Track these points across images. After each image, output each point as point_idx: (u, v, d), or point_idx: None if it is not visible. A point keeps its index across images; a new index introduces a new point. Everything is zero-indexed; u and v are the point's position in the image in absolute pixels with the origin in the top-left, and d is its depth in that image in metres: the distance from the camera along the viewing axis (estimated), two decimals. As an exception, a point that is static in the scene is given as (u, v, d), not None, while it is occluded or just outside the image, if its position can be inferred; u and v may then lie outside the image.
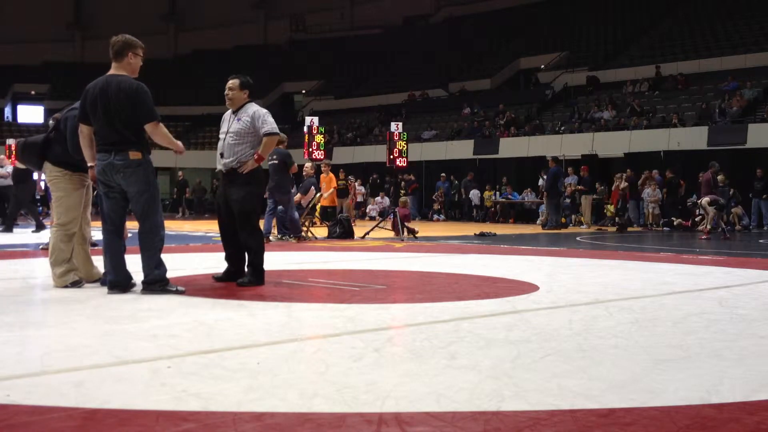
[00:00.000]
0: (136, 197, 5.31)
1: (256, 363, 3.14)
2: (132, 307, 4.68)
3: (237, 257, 6.13)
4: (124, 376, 2.93)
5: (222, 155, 6.06)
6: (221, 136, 6.13)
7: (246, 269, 6.04)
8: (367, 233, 14.18)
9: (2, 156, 19.09)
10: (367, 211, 25.37)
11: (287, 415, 2.42)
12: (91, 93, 5.30)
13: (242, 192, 5.96)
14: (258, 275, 5.96)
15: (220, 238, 6.40)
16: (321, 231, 13.94)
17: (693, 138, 21.18)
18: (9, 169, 18.63)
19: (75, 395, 2.62)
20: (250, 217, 6.02)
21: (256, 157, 5.94)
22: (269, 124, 5.99)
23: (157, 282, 5.28)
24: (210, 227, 16.35)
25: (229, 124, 6.07)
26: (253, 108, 6.05)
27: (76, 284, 5.57)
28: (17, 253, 9.48)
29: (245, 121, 5.97)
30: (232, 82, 6.09)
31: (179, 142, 5.60)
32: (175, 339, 3.67)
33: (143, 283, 5.33)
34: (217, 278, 6.16)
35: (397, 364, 3.22)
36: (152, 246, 5.33)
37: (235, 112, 6.08)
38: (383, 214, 21.40)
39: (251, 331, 3.93)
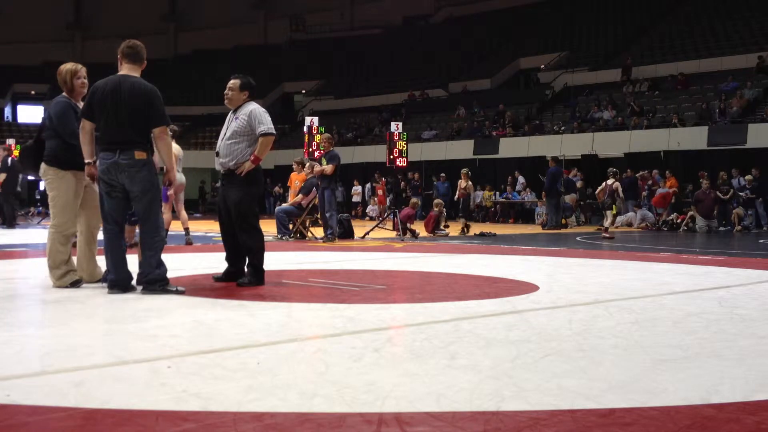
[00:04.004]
0: (140, 197, 5.31)
1: (256, 363, 3.14)
2: (132, 307, 4.68)
3: (237, 257, 6.12)
4: (124, 376, 2.93)
5: (218, 154, 6.07)
6: (221, 135, 6.14)
7: (246, 269, 6.04)
8: (367, 233, 14.18)
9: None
10: (367, 211, 25.39)
11: (287, 415, 2.42)
12: (101, 90, 5.30)
13: (240, 193, 5.96)
14: (258, 275, 5.95)
15: (220, 238, 6.40)
16: (320, 231, 13.92)
17: (693, 138, 21.18)
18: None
19: (75, 395, 2.62)
20: (248, 217, 6.02)
21: (252, 158, 5.94)
22: (266, 123, 5.98)
23: (157, 281, 5.28)
24: (210, 227, 16.34)
25: (228, 124, 6.09)
26: (251, 107, 6.05)
27: (75, 284, 5.56)
28: (17, 253, 9.48)
29: (242, 120, 5.98)
30: (233, 83, 6.10)
31: (174, 173, 5.59)
32: (175, 339, 3.67)
33: (144, 282, 5.33)
34: (217, 278, 6.16)
35: (397, 364, 3.22)
36: (153, 245, 5.33)
37: (234, 112, 6.10)
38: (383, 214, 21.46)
39: (251, 331, 3.93)
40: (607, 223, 15.08)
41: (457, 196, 17.21)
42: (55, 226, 5.60)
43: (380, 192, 24.42)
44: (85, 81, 5.77)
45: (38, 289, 5.57)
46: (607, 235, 14.47)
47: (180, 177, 9.60)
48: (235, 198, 5.97)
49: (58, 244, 5.55)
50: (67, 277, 5.55)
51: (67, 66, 5.80)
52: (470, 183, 17.08)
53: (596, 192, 16.11)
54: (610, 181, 15.29)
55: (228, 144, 5.99)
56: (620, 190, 15.43)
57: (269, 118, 6.08)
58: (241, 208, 5.97)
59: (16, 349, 3.44)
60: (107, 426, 2.30)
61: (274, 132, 6.14)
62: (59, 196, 5.61)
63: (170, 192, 8.80)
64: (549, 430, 2.31)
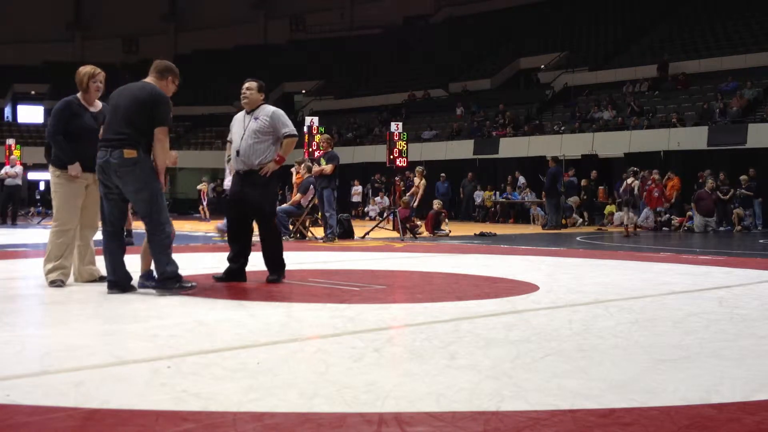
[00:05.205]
0: (135, 197, 5.28)
1: (256, 363, 3.14)
2: (132, 307, 4.69)
3: (241, 256, 6.18)
4: (124, 376, 2.93)
5: (238, 153, 6.12)
6: (235, 137, 6.20)
7: (268, 267, 6.22)
8: (367, 233, 14.18)
9: (13, 156, 19.19)
10: (367, 211, 25.37)
11: (287, 415, 2.42)
12: (113, 94, 5.43)
13: (263, 191, 6.13)
14: (283, 269, 6.23)
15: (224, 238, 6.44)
16: (320, 231, 13.92)
17: (693, 138, 21.17)
18: (18, 169, 18.72)
19: (75, 395, 2.62)
20: (270, 214, 6.25)
21: (277, 158, 6.12)
22: (289, 125, 6.18)
23: (171, 279, 5.23)
24: (209, 228, 16.33)
25: (246, 125, 6.14)
26: (271, 108, 6.22)
27: (54, 284, 5.55)
28: (17, 253, 9.48)
29: (264, 121, 6.10)
30: (251, 84, 6.22)
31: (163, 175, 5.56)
32: (175, 339, 3.67)
33: (157, 281, 5.27)
34: (218, 278, 6.18)
35: (397, 364, 3.22)
36: (160, 243, 5.27)
37: (249, 113, 6.16)
38: (383, 214, 21.44)
39: (251, 331, 3.93)
40: (627, 220, 15.25)
41: (413, 194, 17.11)
42: (54, 222, 5.74)
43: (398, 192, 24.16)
44: (101, 85, 5.88)
45: (38, 289, 5.57)
46: (628, 234, 14.65)
47: None
48: (258, 196, 6.11)
49: (55, 238, 5.65)
50: (52, 274, 5.59)
51: (87, 69, 5.90)
52: (424, 181, 17.10)
53: (620, 190, 16.33)
54: (629, 180, 15.36)
55: (250, 144, 6.09)
56: (629, 190, 15.59)
57: (290, 121, 6.28)
58: (264, 206, 6.16)
59: (16, 349, 3.44)
60: (107, 426, 2.30)
61: (297, 133, 6.27)
62: (56, 193, 5.75)
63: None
64: (549, 430, 2.31)
